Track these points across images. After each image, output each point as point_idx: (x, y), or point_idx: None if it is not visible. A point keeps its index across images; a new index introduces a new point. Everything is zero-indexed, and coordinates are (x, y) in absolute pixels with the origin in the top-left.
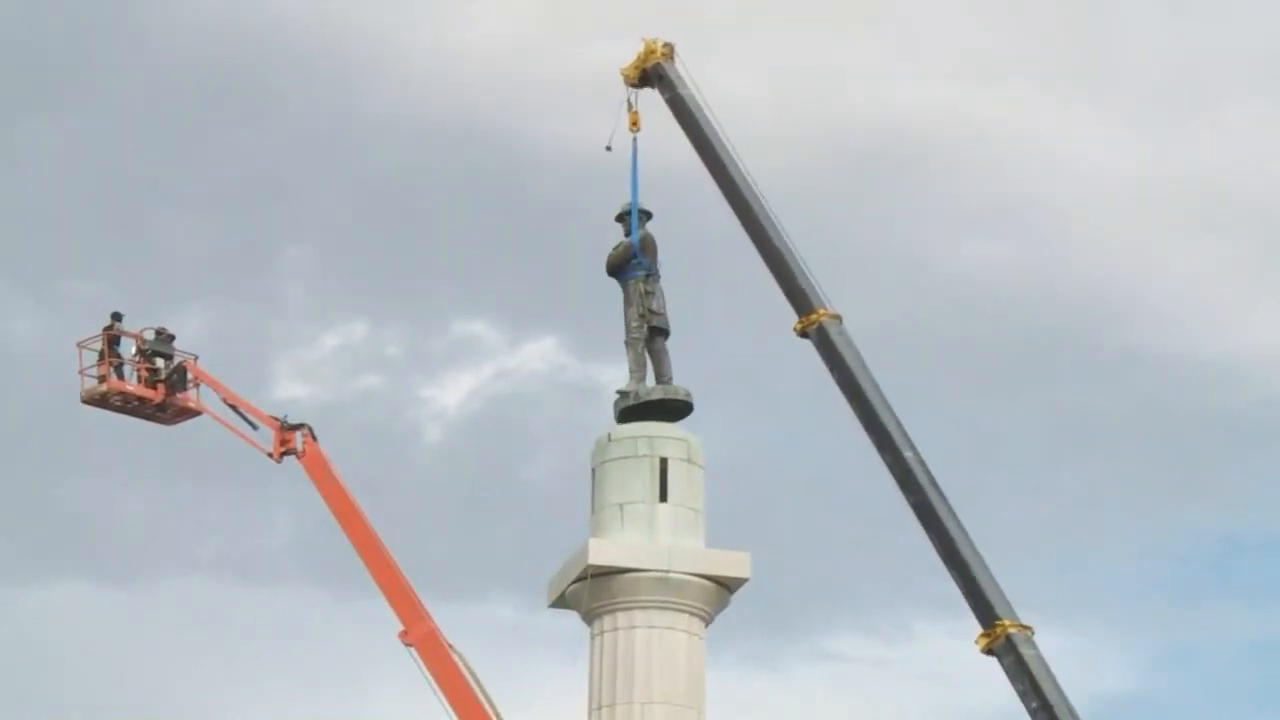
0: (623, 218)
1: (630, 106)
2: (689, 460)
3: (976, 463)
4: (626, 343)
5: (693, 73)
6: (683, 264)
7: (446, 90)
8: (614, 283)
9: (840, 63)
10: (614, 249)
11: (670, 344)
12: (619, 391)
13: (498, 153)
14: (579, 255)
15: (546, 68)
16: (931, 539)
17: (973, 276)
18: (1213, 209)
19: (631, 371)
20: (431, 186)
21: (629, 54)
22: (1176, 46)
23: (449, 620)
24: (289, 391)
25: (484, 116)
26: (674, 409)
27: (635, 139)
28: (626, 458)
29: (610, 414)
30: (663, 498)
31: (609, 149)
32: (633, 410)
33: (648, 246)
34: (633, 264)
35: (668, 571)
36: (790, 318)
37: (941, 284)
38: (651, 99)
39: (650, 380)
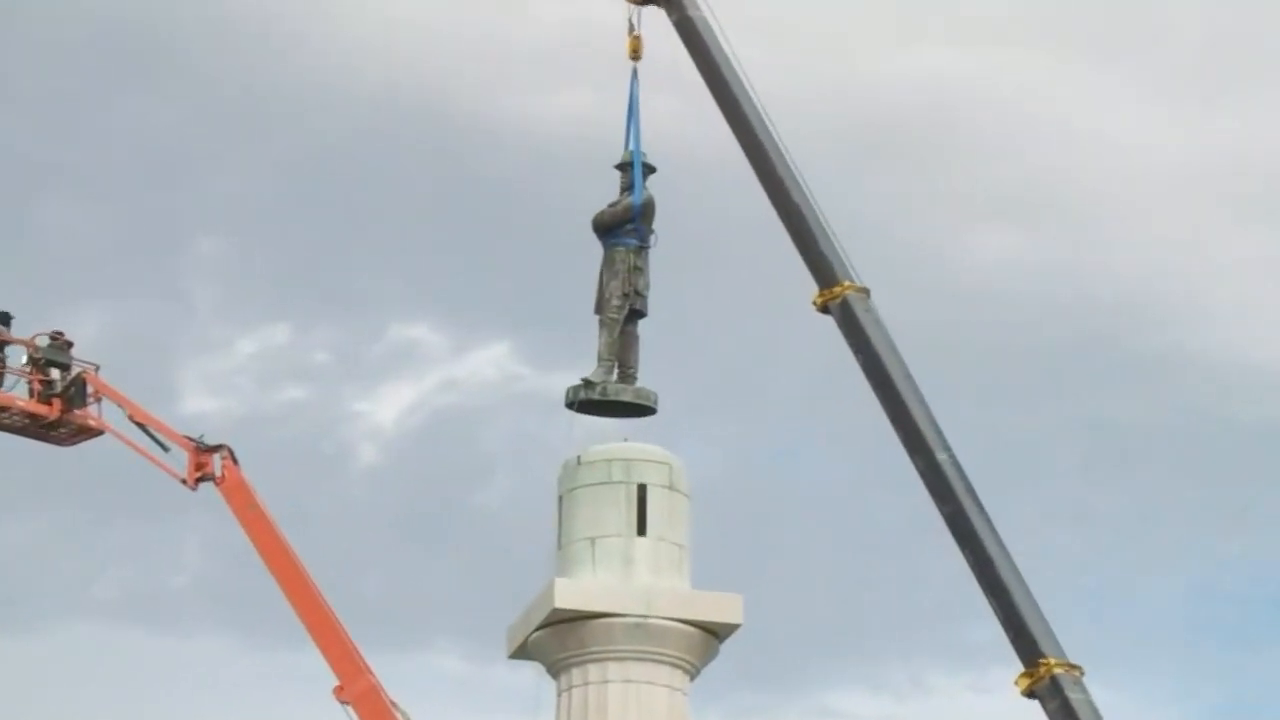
0: (624, 167)
1: (632, 29)
2: (671, 487)
3: (998, 484)
4: (601, 321)
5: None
6: (665, 238)
7: (384, 58)
8: (572, 265)
9: (842, 26)
10: (611, 205)
11: (648, 340)
12: (584, 380)
13: (443, 130)
14: (536, 249)
15: (500, 33)
16: (966, 558)
17: (993, 270)
18: (1267, 192)
19: (601, 358)
20: (365, 169)
21: (595, 18)
22: (1223, 8)
23: (390, 673)
24: (198, 405)
25: (427, 88)
26: (634, 410)
27: (636, 69)
28: (599, 484)
29: (579, 429)
30: (641, 531)
31: (638, 58)
32: (591, 405)
33: (647, 212)
34: (627, 228)
35: (647, 617)
36: (796, 319)
37: (958, 278)
38: (656, 21)
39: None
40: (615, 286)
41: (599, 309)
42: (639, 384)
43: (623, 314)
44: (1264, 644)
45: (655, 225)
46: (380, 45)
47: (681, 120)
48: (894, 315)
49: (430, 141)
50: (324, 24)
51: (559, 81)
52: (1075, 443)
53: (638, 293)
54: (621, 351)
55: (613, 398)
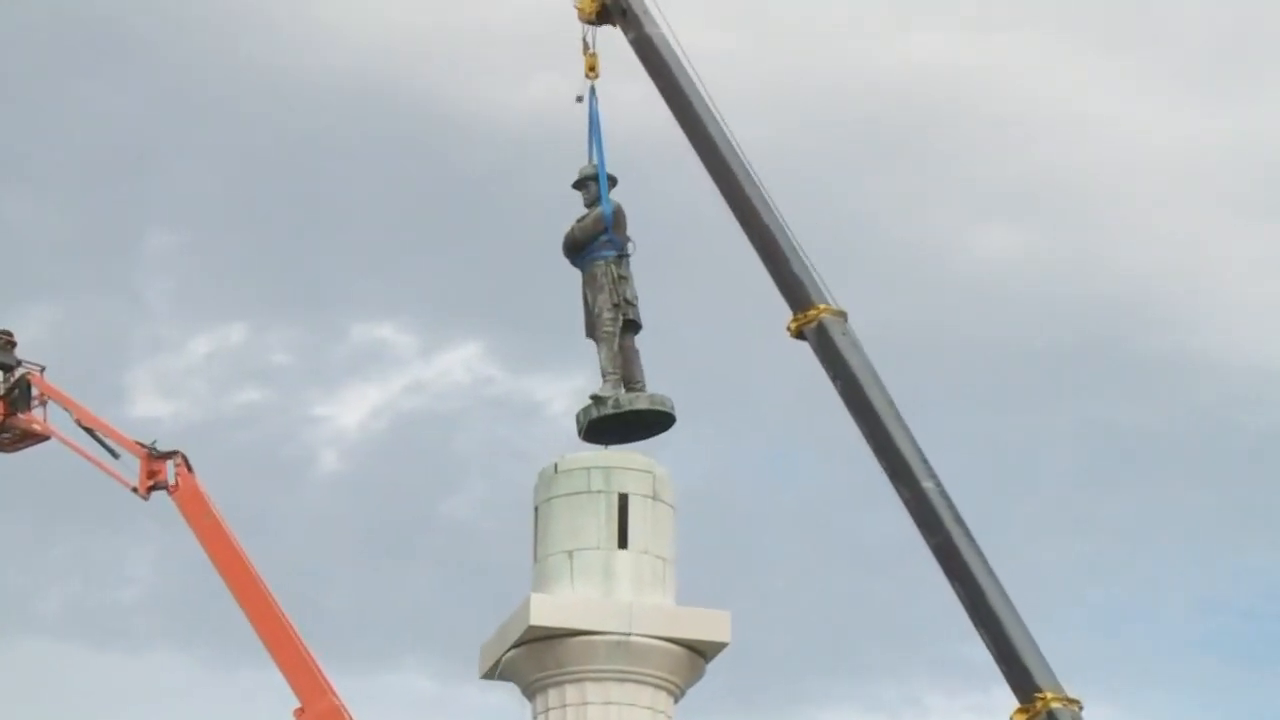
0: (583, 184)
1: (587, 48)
2: (654, 496)
3: (998, 493)
4: (597, 339)
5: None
6: (641, 247)
7: (349, 45)
8: (549, 271)
9: (835, 11)
10: (579, 221)
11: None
12: (594, 397)
13: (413, 120)
14: (509, 245)
15: (474, 18)
16: (956, 590)
17: (993, 269)
18: (1277, 189)
19: (606, 373)
20: (328, 161)
21: (567, 3)
22: None
23: (355, 693)
24: (150, 408)
25: (396, 76)
26: (652, 422)
27: (594, 87)
28: (577, 493)
29: (556, 434)
30: (622, 543)
31: (580, 99)
32: (608, 420)
33: (619, 220)
34: (601, 241)
35: (628, 635)
36: (782, 314)
37: (956, 278)
38: (612, 39)
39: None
40: (604, 300)
41: (590, 330)
42: (651, 392)
43: (617, 326)
44: (1277, 659)
45: (629, 233)
46: (346, 32)
47: (656, 115)
48: (890, 316)
49: (397, 132)
50: (287, 9)
51: (532, 70)
52: (1076, 448)
53: (627, 302)
54: (624, 367)
55: (627, 408)
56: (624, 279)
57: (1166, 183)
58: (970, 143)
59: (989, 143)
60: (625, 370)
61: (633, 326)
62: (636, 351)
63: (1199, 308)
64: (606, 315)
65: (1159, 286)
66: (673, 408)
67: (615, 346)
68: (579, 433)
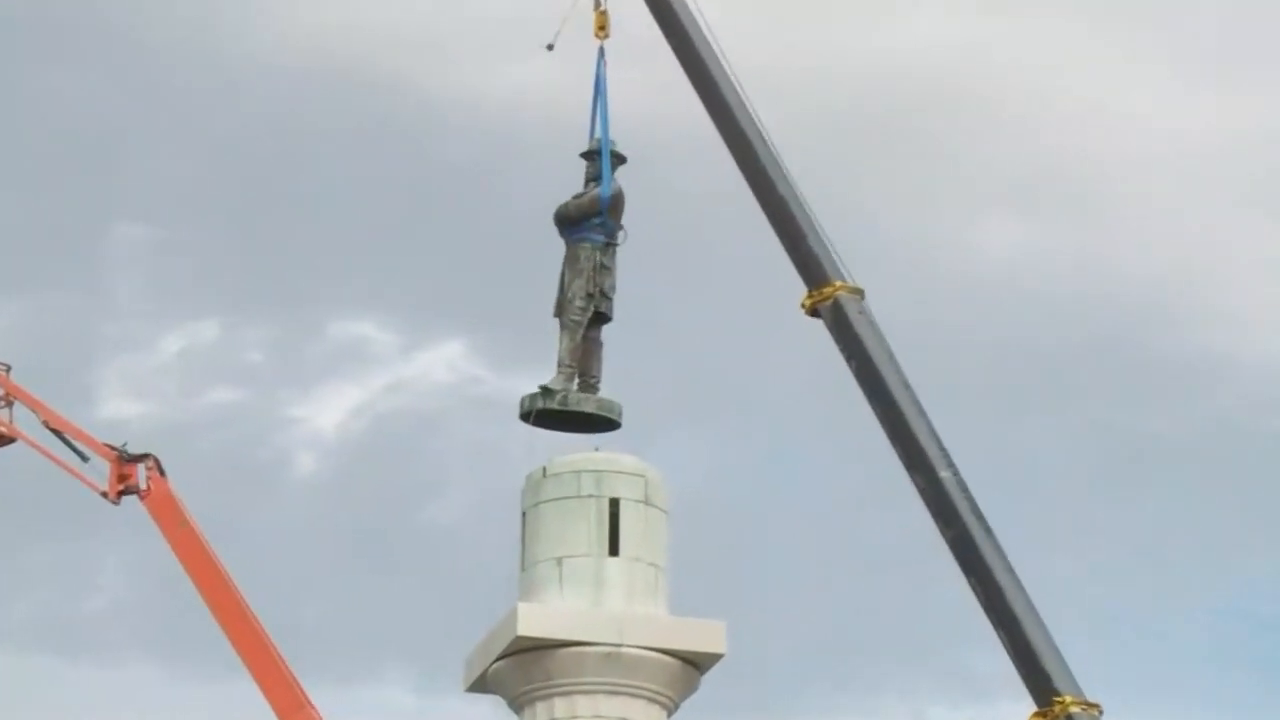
0: (590, 156)
1: (598, 4)
2: (647, 501)
3: (1004, 497)
4: (562, 323)
5: None
6: (636, 229)
7: (325, 28)
8: (535, 267)
9: None
10: (575, 197)
11: (620, 339)
12: (542, 387)
13: (393, 109)
14: (495, 238)
15: (455, 4)
16: (972, 586)
17: (1000, 265)
18: None
19: (562, 364)
20: (306, 150)
21: None
22: None
23: (334, 706)
24: (119, 409)
25: (375, 63)
26: (597, 423)
27: (602, 48)
28: (566, 498)
29: (544, 437)
30: (613, 550)
31: (550, 47)
32: (551, 415)
33: (616, 205)
34: (593, 223)
35: (619, 646)
36: (787, 309)
37: (961, 273)
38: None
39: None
40: (579, 286)
41: (559, 311)
42: (601, 395)
43: (586, 316)
44: None
45: (625, 221)
46: (323, 14)
47: (655, 96)
48: (887, 314)
49: (376, 123)
50: None
51: (519, 53)
52: (1087, 452)
53: (603, 294)
54: (583, 359)
55: (573, 408)
56: (606, 269)
57: (1178, 179)
58: (974, 136)
59: (994, 136)
60: (583, 364)
61: (602, 319)
62: (600, 344)
63: (1210, 307)
64: (578, 303)
65: (1169, 285)
66: (620, 414)
67: (578, 337)
68: (520, 416)
